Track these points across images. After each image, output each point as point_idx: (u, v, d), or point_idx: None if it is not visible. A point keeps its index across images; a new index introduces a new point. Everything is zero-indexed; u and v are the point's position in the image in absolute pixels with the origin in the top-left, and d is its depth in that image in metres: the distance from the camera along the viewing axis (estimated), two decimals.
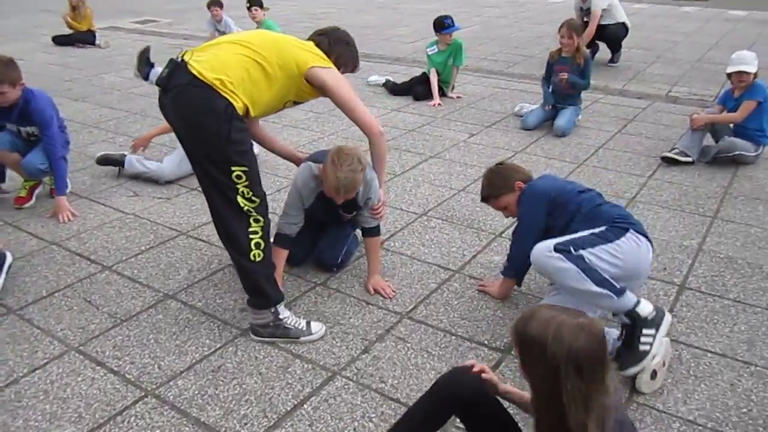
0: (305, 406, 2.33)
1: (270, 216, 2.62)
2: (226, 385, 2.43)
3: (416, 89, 6.48)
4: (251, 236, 2.52)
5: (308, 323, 2.70)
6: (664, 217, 3.81)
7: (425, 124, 5.68)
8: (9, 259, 3.08)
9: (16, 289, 3.06)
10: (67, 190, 3.90)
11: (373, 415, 2.28)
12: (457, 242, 3.52)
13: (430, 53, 6.39)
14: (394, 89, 6.67)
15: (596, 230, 2.47)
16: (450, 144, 5.13)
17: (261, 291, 2.61)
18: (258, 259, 2.54)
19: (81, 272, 3.23)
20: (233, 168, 2.41)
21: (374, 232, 3.06)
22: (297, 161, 3.15)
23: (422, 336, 2.72)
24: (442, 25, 6.25)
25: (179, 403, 2.33)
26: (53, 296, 3.01)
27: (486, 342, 2.68)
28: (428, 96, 6.35)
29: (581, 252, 2.36)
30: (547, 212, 2.68)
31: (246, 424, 2.24)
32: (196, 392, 2.39)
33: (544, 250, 2.40)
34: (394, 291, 3.04)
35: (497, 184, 2.87)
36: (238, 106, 2.40)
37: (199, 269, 3.25)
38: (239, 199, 2.46)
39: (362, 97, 5.62)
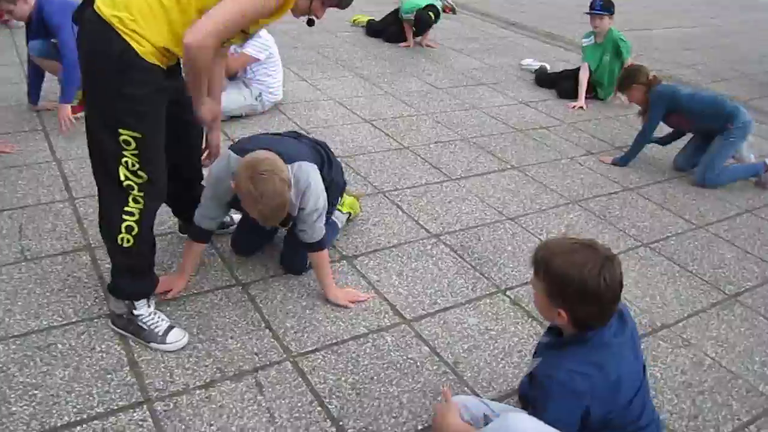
0: (76, 429, 1.90)
1: None
2: (32, 368, 2.08)
3: (561, 84, 5.45)
4: (125, 216, 2.07)
5: (169, 329, 2.24)
6: None
7: (543, 127, 4.72)
8: None
9: None
10: (75, 101, 3.76)
11: None
12: (442, 283, 2.76)
13: (584, 45, 5.30)
14: (539, 79, 5.71)
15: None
16: (550, 159, 4.18)
17: (119, 280, 2.21)
18: (126, 245, 2.10)
19: (48, 197, 3.10)
20: (121, 130, 1.95)
21: (315, 247, 2.45)
22: (206, 137, 2.54)
23: (286, 393, 2.11)
24: (592, 4, 5.14)
25: None
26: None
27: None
28: (573, 94, 5.30)
29: None
30: None
31: (4, 426, 1.88)
32: (5, 362, 2.08)
33: None
34: (365, 294, 2.59)
35: None
36: (143, 50, 1.90)
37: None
38: (121, 170, 2.00)
39: (503, 80, 4.83)
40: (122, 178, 2.02)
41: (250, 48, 4.10)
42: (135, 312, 2.22)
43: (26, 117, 3.97)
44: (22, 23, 3.84)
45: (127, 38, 1.89)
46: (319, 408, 2.05)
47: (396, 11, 6.60)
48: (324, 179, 2.44)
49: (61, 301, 2.40)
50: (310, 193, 2.31)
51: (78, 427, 1.90)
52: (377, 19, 6.92)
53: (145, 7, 1.89)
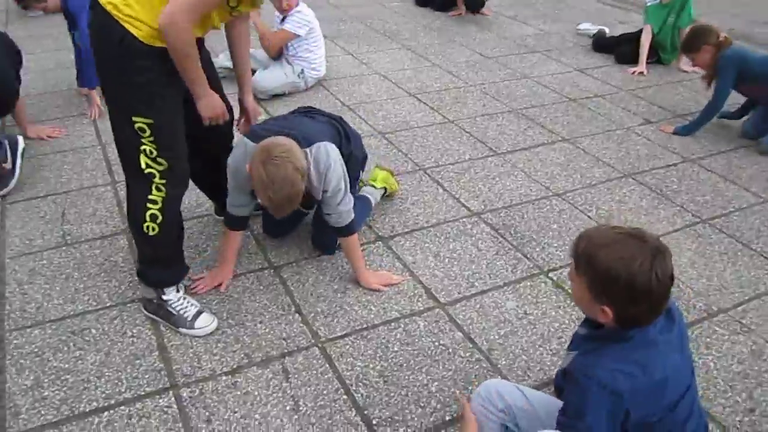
0: (104, 414, 1.92)
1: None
2: (65, 353, 2.12)
3: (620, 49, 5.14)
4: (148, 205, 2.06)
5: (198, 314, 2.23)
6: None
7: (599, 95, 4.46)
8: (21, 144, 3.10)
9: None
10: (96, 85, 3.78)
11: None
12: (480, 265, 2.64)
13: (648, 4, 4.95)
14: (597, 44, 5.40)
15: None
16: (604, 129, 3.94)
17: (146, 268, 2.21)
18: (152, 233, 2.10)
19: (91, 181, 3.16)
20: (134, 118, 1.94)
21: (344, 231, 2.38)
22: (241, 103, 2.48)
23: (312, 380, 2.07)
24: None
25: (14, 353, 2.10)
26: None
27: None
28: (633, 59, 4.99)
29: None
30: None
31: (36, 410, 1.92)
32: (41, 347, 2.13)
33: None
34: (398, 276, 2.51)
35: None
36: (142, 34, 1.85)
37: (188, 208, 2.91)
38: (142, 158, 2.00)
39: (558, 46, 4.57)
40: (143, 166, 2.01)
41: (289, 24, 4.03)
42: (164, 297, 2.22)
43: (75, 102, 4.05)
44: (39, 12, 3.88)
45: (125, 24, 1.85)
46: (345, 396, 1.99)
47: None
48: (342, 154, 2.36)
49: (96, 285, 2.44)
50: (332, 174, 2.22)
51: (105, 413, 1.91)
52: None
53: None
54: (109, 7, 1.85)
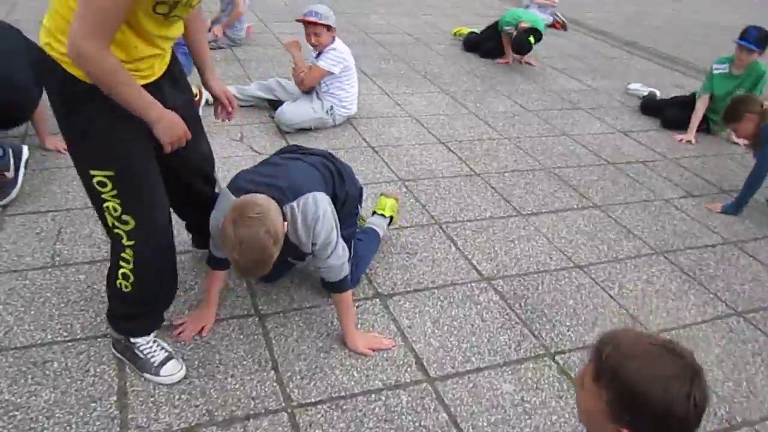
0: None
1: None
2: (21, 386, 1.99)
3: (669, 112, 4.89)
4: (120, 263, 1.91)
5: (166, 360, 2.07)
6: None
7: (640, 161, 4.22)
8: (26, 153, 3.04)
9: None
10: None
11: None
12: (481, 337, 2.43)
13: (715, 72, 4.68)
14: (646, 106, 5.17)
15: None
16: (641, 199, 3.70)
17: (114, 319, 2.08)
18: (125, 290, 1.95)
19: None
20: (92, 172, 1.76)
21: (336, 287, 2.20)
22: (209, 90, 2.20)
23: None
24: (745, 33, 4.51)
25: None
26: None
27: None
28: (681, 125, 4.73)
29: None
30: None
31: None
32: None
33: None
34: (389, 339, 2.33)
35: None
36: (82, 73, 1.61)
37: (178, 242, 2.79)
38: (107, 216, 1.83)
39: (604, 104, 4.38)
40: (110, 225, 1.85)
41: (324, 61, 3.95)
42: (132, 340, 2.07)
43: None
44: None
45: (63, 64, 1.64)
46: None
47: (496, 24, 6.26)
48: (337, 197, 2.22)
49: (72, 314, 2.32)
50: (320, 226, 2.06)
51: None
52: (479, 31, 6.59)
53: (61, 22, 1.60)
54: (46, 49, 1.65)
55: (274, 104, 4.21)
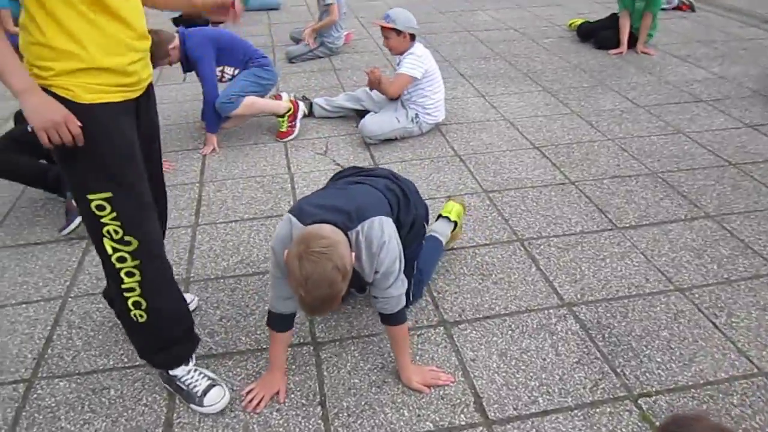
0: None
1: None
2: (78, 413, 2.05)
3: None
4: (126, 294, 1.84)
5: (209, 388, 2.05)
6: None
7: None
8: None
9: None
10: (216, 129, 3.92)
11: None
12: (553, 375, 2.18)
13: None
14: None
15: None
16: (765, 207, 3.20)
17: (145, 353, 2.06)
18: (141, 320, 1.90)
19: (176, 221, 3.16)
20: (89, 197, 1.71)
21: (392, 320, 2.05)
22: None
23: None
24: None
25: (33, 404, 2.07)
26: None
27: None
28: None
29: None
30: None
31: None
32: (59, 402, 2.09)
33: None
34: (448, 375, 2.16)
35: None
36: (72, 94, 1.59)
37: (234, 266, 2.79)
38: (105, 242, 1.76)
39: (731, 95, 4.30)
40: (109, 252, 1.78)
41: (404, 67, 3.81)
42: (171, 373, 2.06)
43: (195, 135, 4.17)
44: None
45: (55, 89, 1.59)
46: None
47: (614, 14, 5.78)
48: (400, 222, 2.11)
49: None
50: (385, 254, 1.91)
51: None
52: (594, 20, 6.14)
53: (32, 49, 1.56)
54: (37, 81, 1.58)
55: (362, 114, 4.13)
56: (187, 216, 3.21)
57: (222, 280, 2.70)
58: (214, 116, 3.81)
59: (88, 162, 1.69)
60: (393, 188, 2.22)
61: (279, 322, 2.05)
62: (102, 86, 1.64)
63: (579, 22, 6.31)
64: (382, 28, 3.78)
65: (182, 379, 2.05)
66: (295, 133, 4.03)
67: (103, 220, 1.73)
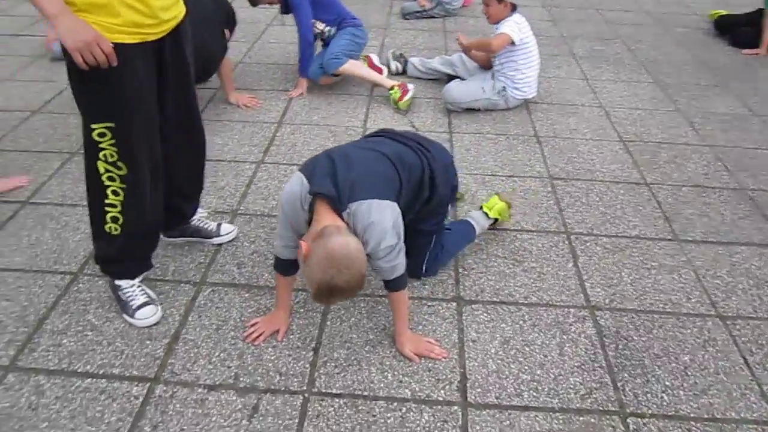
0: (89, 379, 2.02)
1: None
2: (104, 310, 2.28)
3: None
4: (107, 209, 2.04)
5: (144, 305, 2.21)
6: None
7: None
8: None
9: None
10: (308, 74, 3.98)
11: None
12: (549, 373, 2.13)
13: None
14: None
15: None
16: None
17: (101, 258, 2.24)
18: (114, 233, 2.10)
19: (243, 156, 3.33)
20: (93, 126, 1.88)
21: (390, 286, 2.08)
22: None
23: (269, 428, 1.90)
24: None
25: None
26: None
27: None
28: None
29: None
30: None
31: None
32: (93, 300, 2.34)
33: None
34: (442, 350, 2.18)
35: None
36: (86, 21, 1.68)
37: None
38: (99, 164, 1.94)
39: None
40: (101, 171, 1.96)
41: (504, 27, 3.67)
42: (116, 282, 2.24)
43: (289, 77, 4.31)
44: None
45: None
46: None
47: (761, 9, 5.21)
48: (416, 196, 2.14)
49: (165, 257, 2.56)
50: (369, 235, 1.91)
51: (89, 379, 2.01)
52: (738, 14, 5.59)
53: None
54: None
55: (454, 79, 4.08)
56: (256, 153, 3.37)
57: (266, 218, 2.84)
58: (307, 60, 3.91)
59: (97, 95, 1.85)
60: (411, 162, 2.13)
61: (284, 266, 2.15)
62: (118, 26, 1.76)
63: (722, 13, 5.76)
64: None
65: (123, 290, 2.22)
66: (410, 91, 3.89)
67: (101, 146, 1.92)
